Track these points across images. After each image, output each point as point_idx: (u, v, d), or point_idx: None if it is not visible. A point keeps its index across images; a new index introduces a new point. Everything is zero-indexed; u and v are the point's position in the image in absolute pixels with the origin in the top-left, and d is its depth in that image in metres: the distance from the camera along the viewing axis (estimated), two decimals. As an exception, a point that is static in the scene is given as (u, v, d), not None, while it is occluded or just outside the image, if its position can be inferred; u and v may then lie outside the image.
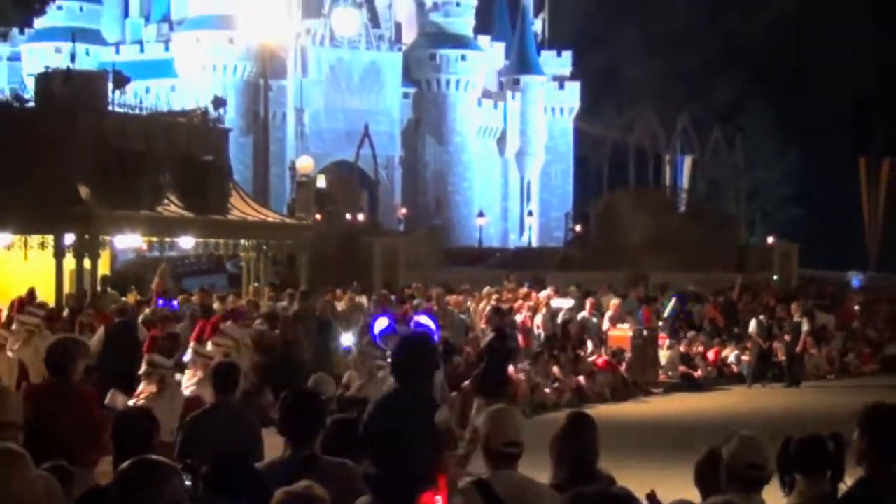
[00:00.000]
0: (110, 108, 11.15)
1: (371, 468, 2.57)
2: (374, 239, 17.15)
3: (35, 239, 10.22)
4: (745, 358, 12.10)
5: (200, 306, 9.26)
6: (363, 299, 10.79)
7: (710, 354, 12.29)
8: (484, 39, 34.46)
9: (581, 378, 10.56)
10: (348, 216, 24.56)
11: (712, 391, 11.52)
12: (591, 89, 34.94)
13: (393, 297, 10.44)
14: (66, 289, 10.09)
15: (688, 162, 24.46)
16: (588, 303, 11.91)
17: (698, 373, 11.88)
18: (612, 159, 23.90)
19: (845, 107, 32.23)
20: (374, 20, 31.73)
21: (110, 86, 11.31)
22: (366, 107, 30.71)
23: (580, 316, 11.72)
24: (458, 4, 33.00)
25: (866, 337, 14.19)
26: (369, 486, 2.51)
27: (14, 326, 7.60)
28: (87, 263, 10.22)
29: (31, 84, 12.12)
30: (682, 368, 11.81)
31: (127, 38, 32.55)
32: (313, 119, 30.88)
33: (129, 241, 11.21)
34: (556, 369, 10.42)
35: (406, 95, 32.58)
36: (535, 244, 32.49)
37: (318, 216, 18.66)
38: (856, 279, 17.86)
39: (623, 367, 11.10)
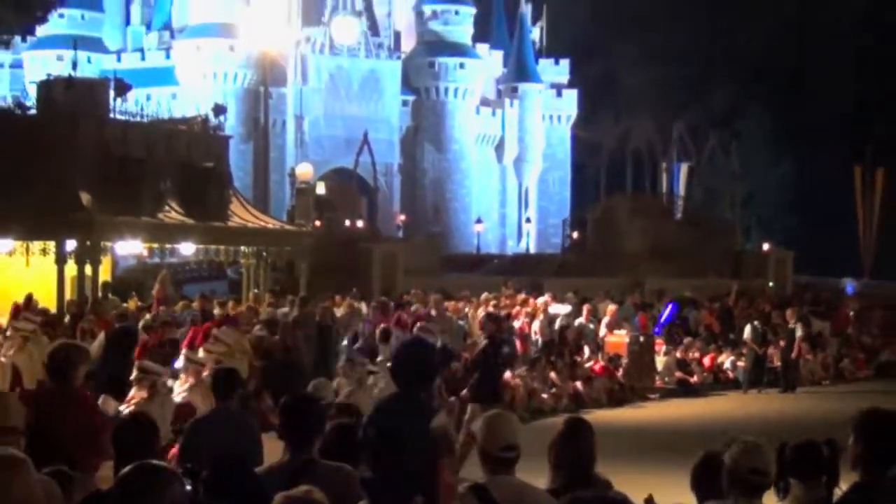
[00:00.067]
0: (111, 115, 11.25)
1: (368, 472, 2.62)
2: (373, 245, 17.22)
3: (37, 245, 10.29)
4: (740, 364, 12.16)
5: (201, 312, 9.34)
6: (362, 305, 10.87)
7: (706, 360, 12.36)
8: (482, 48, 34.67)
9: (578, 383, 10.62)
10: (347, 223, 24.64)
11: (708, 397, 11.59)
12: (589, 97, 35.15)
13: (391, 304, 10.53)
14: (68, 295, 10.17)
15: (684, 169, 24.61)
16: (585, 309, 11.98)
17: (694, 378, 11.95)
18: (609, 166, 24.03)
19: (840, 115, 32.44)
20: (374, 28, 31.95)
21: (111, 93, 11.42)
22: (365, 114, 30.86)
23: (577, 322, 11.79)
24: (456, 13, 33.23)
25: (861, 343, 14.27)
26: (365, 490, 2.55)
27: (9, 332, 7.62)
28: (88, 269, 10.28)
29: (32, 91, 12.20)
30: (678, 374, 11.87)
31: (128, 46, 32.75)
32: (313, 126, 31.01)
33: (130, 248, 11.30)
34: (553, 375, 10.49)
35: (405, 103, 32.73)
36: (532, 251, 32.53)
37: (317, 223, 18.73)
38: (850, 286, 17.97)
39: (620, 372, 11.17)
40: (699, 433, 8.36)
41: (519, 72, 35.10)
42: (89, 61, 28.32)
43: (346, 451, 2.89)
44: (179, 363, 6.46)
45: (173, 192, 11.03)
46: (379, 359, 6.92)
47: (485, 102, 34.58)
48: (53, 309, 9.46)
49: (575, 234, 23.77)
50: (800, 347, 12.02)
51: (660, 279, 16.03)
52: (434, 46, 32.93)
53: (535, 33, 36.39)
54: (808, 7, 33.61)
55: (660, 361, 11.88)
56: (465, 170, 33.65)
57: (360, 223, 26.49)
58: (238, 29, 29.14)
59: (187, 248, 11.49)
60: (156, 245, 11.30)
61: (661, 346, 12.02)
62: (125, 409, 5.20)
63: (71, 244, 10.21)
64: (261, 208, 14.81)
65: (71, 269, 10.32)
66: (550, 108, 35.95)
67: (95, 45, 30.51)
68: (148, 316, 8.90)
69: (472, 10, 33.54)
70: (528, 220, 35.50)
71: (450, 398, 7.86)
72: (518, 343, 10.89)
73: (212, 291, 12.02)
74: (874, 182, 26.84)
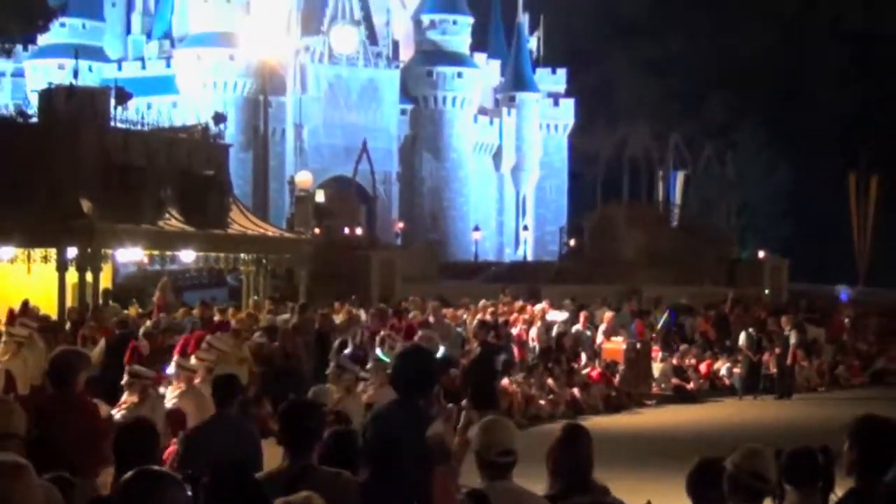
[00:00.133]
0: (112, 123, 11.36)
1: (367, 477, 2.66)
2: (372, 253, 17.31)
3: (38, 252, 10.37)
4: (736, 370, 12.24)
5: (201, 319, 9.40)
6: (361, 312, 10.94)
7: (703, 367, 12.44)
8: (480, 57, 34.88)
9: (575, 390, 10.68)
10: (346, 230, 24.69)
11: (704, 403, 11.65)
12: (586, 106, 35.36)
13: (390, 311, 10.60)
14: (69, 302, 10.22)
15: (680, 178, 24.78)
16: (582, 316, 12.05)
17: (691, 385, 12.02)
18: (605, 175, 24.17)
19: (835, 124, 32.67)
20: (372, 38, 32.14)
21: (112, 102, 11.53)
22: (364, 123, 30.98)
23: (574, 329, 11.86)
24: (454, 23, 33.45)
25: (856, 350, 14.35)
26: (362, 495, 2.60)
27: (3, 338, 7.63)
28: (89, 276, 10.34)
29: (34, 100, 12.26)
30: (674, 381, 11.95)
31: (129, 55, 32.87)
32: (312, 135, 31.13)
33: (131, 255, 11.36)
34: (550, 381, 10.55)
35: (403, 112, 32.86)
36: (530, 258, 32.59)
37: (316, 230, 18.78)
38: (843, 293, 18.08)
39: (617, 379, 11.24)
40: (695, 439, 8.47)
41: (516, 81, 35.29)
42: (90, 70, 28.46)
43: (345, 457, 2.93)
44: (171, 369, 6.43)
45: (174, 200, 11.11)
46: (369, 365, 6.95)
47: (482, 111, 34.74)
48: (55, 316, 9.50)
49: (572, 242, 23.89)
50: (795, 354, 12.10)
51: (656, 287, 16.11)
52: (432, 56, 33.13)
53: (533, 43, 36.63)
54: (803, 17, 33.95)
55: (656, 368, 11.95)
56: (463, 178, 33.76)
57: (358, 231, 26.54)
58: (238, 38, 29.30)
59: (187, 256, 11.56)
60: (156, 252, 11.36)
61: (657, 352, 12.10)
62: (116, 413, 5.23)
63: (72, 251, 10.28)
64: (260, 216, 14.88)
65: (72, 276, 10.37)
66: (547, 117, 36.12)
67: (96, 54, 30.67)
68: (148, 322, 8.97)
69: (470, 20, 33.76)
70: (525, 228, 35.62)
71: (448, 405, 7.92)
72: (515, 350, 10.96)
73: (212, 298, 12.09)
74: (868, 189, 27.02)
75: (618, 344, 11.58)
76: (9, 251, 10.50)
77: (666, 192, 24.07)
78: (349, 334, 9.05)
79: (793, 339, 12.06)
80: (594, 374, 11.15)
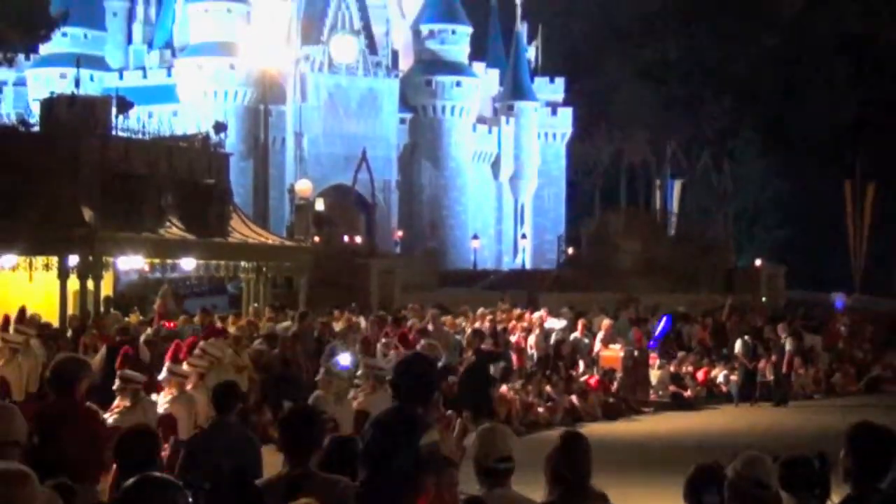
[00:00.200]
0: (114, 132, 11.46)
1: (361, 484, 2.68)
2: (371, 261, 17.42)
3: (40, 260, 10.42)
4: (733, 378, 12.28)
5: (202, 327, 9.44)
6: (360, 320, 10.99)
7: (700, 374, 12.48)
8: (479, 66, 35.03)
9: (573, 397, 10.72)
10: (346, 238, 24.78)
11: (702, 410, 11.70)
12: (584, 115, 35.53)
13: (389, 318, 10.67)
14: (70, 309, 10.27)
15: (677, 186, 24.90)
16: (580, 323, 12.10)
17: (688, 392, 12.06)
18: (603, 184, 24.26)
19: (831, 131, 32.85)
20: (372, 47, 32.33)
21: (114, 110, 11.63)
22: (363, 132, 31.07)
23: (572, 336, 11.91)
24: (453, 32, 33.66)
25: (852, 358, 14.41)
26: (357, 502, 2.63)
27: (-1, 344, 7.69)
28: (90, 284, 10.42)
29: (36, 109, 12.34)
30: (672, 388, 11.98)
31: (130, 64, 32.98)
32: (312, 144, 31.23)
33: (132, 263, 11.40)
34: (549, 388, 10.60)
35: (402, 121, 32.94)
36: (528, 266, 32.63)
37: (316, 238, 18.86)
38: (839, 301, 18.15)
39: (614, 386, 11.29)
40: (693, 446, 8.47)
41: (515, 90, 35.44)
42: (92, 79, 28.58)
43: (344, 463, 2.94)
44: (162, 375, 6.47)
45: (174, 209, 11.20)
46: (359, 372, 6.99)
47: (481, 120, 34.86)
48: (56, 323, 9.54)
49: (570, 250, 23.97)
50: (791, 361, 12.16)
51: (653, 294, 16.20)
52: (431, 65, 33.28)
53: (531, 52, 36.84)
54: (800, 26, 34.21)
55: (654, 375, 12.00)
56: (462, 186, 33.85)
57: (358, 239, 26.64)
58: (238, 48, 29.47)
59: (188, 264, 11.62)
60: (157, 260, 11.42)
61: (655, 360, 12.15)
62: (109, 417, 5.28)
63: (73, 259, 10.35)
64: (260, 224, 14.96)
65: (73, 283, 10.45)
66: (546, 125, 36.25)
67: (98, 63, 30.81)
68: (149, 330, 9.02)
69: (469, 30, 33.95)
70: (523, 236, 35.69)
71: (447, 412, 7.97)
72: (514, 357, 11.02)
73: (213, 306, 12.16)
74: (864, 197, 27.16)
75: (615, 351, 11.64)
76: (10, 259, 10.55)
77: (663, 200, 24.16)
78: (346, 341, 9.08)
79: (789, 347, 12.11)
80: (592, 381, 11.19)
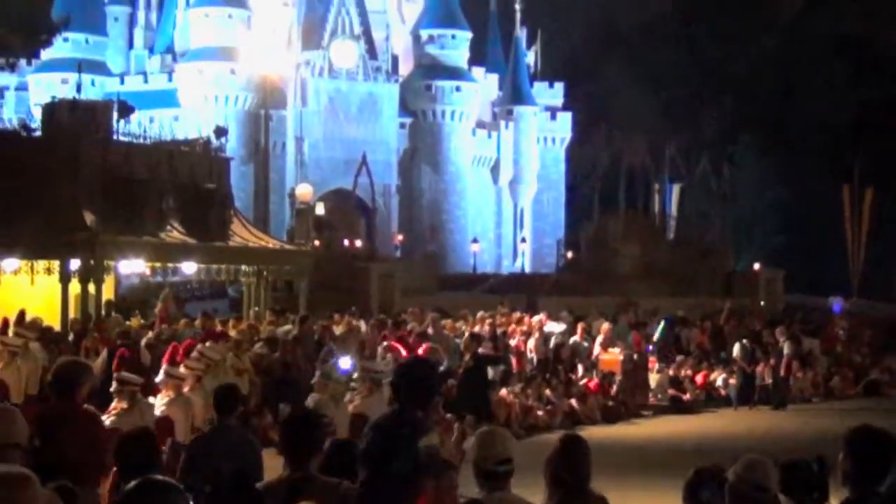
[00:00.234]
0: (115, 136, 11.51)
1: (361, 486, 2.70)
2: (371, 265, 17.46)
3: (41, 264, 10.45)
4: (732, 381, 12.32)
5: (203, 330, 9.48)
6: (361, 324, 11.04)
7: (699, 378, 12.51)
8: (478, 71, 35.15)
9: (573, 401, 10.75)
10: (346, 242, 24.83)
11: (700, 414, 11.73)
12: (583, 119, 35.64)
13: (389, 322, 10.71)
14: (72, 313, 10.30)
15: (676, 190, 24.96)
16: (579, 327, 12.14)
17: (687, 396, 12.09)
18: (602, 188, 24.32)
19: (829, 136, 32.94)
20: (372, 52, 32.46)
21: (115, 115, 11.69)
22: (363, 136, 31.16)
23: (572, 340, 11.95)
24: (453, 37, 33.78)
25: (850, 361, 14.45)
26: (356, 502, 2.65)
27: (-1, 347, 7.69)
28: (91, 288, 10.43)
29: (38, 113, 12.43)
30: (671, 391, 12.02)
31: (131, 69, 33.11)
32: (312, 148, 31.32)
33: (133, 267, 11.45)
34: (548, 392, 10.62)
35: (402, 125, 33.03)
36: (527, 270, 32.64)
37: (316, 242, 18.88)
38: (836, 305, 18.18)
39: (614, 389, 11.32)
40: (692, 449, 8.51)
41: (514, 95, 35.53)
42: (93, 84, 28.58)
43: (344, 467, 2.95)
44: (159, 377, 6.49)
45: (175, 213, 11.25)
46: (355, 375, 7.03)
47: (481, 125, 34.96)
48: (58, 327, 9.58)
49: (569, 254, 24.01)
50: (789, 365, 12.18)
51: (652, 298, 16.26)
52: (431, 70, 33.39)
53: (530, 57, 36.97)
54: (798, 27, 34.32)
55: (653, 379, 12.03)
56: (462, 191, 33.91)
57: (358, 243, 26.69)
58: (239, 53, 29.60)
59: (189, 267, 11.67)
60: (158, 264, 11.46)
61: (654, 363, 12.18)
62: (106, 419, 5.31)
63: (75, 263, 10.38)
64: (261, 228, 15.02)
65: (75, 287, 10.46)
66: (545, 130, 36.34)
67: (99, 68, 30.85)
68: (150, 334, 9.06)
69: (468, 35, 34.06)
70: (523, 240, 35.76)
71: (447, 415, 8.01)
72: (514, 361, 11.06)
73: (214, 310, 12.17)
74: (862, 202, 27.22)
75: (615, 355, 11.68)
76: (12, 263, 10.59)
77: (662, 204, 24.23)
78: (345, 344, 9.12)
79: (787, 350, 12.13)
80: (591, 384, 11.23)
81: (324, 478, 2.85)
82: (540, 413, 10.27)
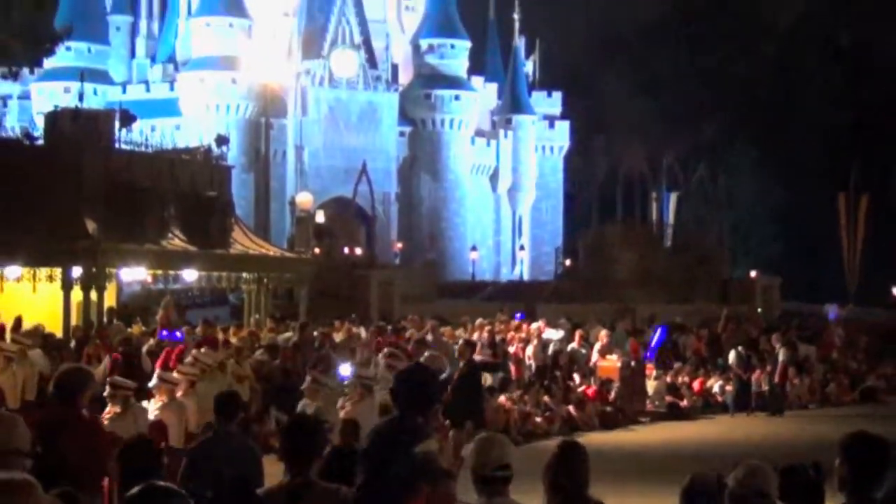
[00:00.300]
0: (117, 145, 11.63)
1: (358, 492, 2.75)
2: (371, 272, 17.53)
3: (43, 271, 10.52)
4: (728, 388, 12.37)
5: (204, 337, 9.54)
6: (361, 331, 11.11)
7: (696, 384, 12.57)
8: (477, 80, 35.41)
9: (571, 407, 10.81)
10: (346, 250, 24.90)
11: (697, 420, 11.78)
12: (581, 128, 35.83)
13: (389, 329, 10.78)
14: (74, 320, 10.36)
15: (673, 198, 25.10)
16: (577, 334, 12.20)
17: (684, 402, 12.14)
18: (600, 196, 24.45)
19: (825, 143, 33.09)
20: (372, 61, 32.70)
21: (117, 124, 11.81)
22: (363, 145, 31.34)
23: (570, 347, 12.01)
24: (452, 47, 34.05)
25: (847, 368, 14.51)
26: None
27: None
28: (93, 295, 10.52)
29: (40, 122, 12.63)
30: (668, 398, 12.06)
31: (133, 78, 33.34)
32: (312, 156, 31.49)
33: (135, 274, 11.53)
34: (546, 398, 10.68)
35: (402, 134, 33.25)
36: (526, 277, 32.77)
37: (316, 250, 18.95)
38: (832, 312, 18.25)
39: (612, 396, 11.38)
40: (689, 456, 8.53)
41: (513, 104, 35.77)
42: (95, 93, 28.78)
43: (344, 472, 3.00)
44: (153, 382, 6.52)
45: (177, 221, 11.34)
46: (347, 381, 7.10)
47: (480, 133, 35.18)
48: (60, 334, 9.64)
49: (567, 262, 24.09)
50: (785, 372, 12.24)
51: (650, 305, 16.31)
52: (430, 79, 33.63)
53: (529, 66, 37.24)
54: (795, 36, 34.54)
55: (650, 385, 12.08)
56: (461, 199, 34.08)
57: (358, 251, 26.75)
58: (240, 62, 29.82)
59: (190, 275, 11.75)
60: (160, 272, 11.54)
61: (651, 370, 12.24)
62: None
63: (77, 271, 10.46)
64: (262, 236, 15.11)
65: (77, 294, 10.53)
66: (543, 139, 36.57)
67: (102, 77, 31.07)
68: (152, 341, 9.13)
69: (468, 44, 34.33)
70: (521, 248, 35.87)
71: (445, 421, 8.06)
72: (512, 367, 11.12)
73: (214, 317, 12.25)
74: (858, 209, 27.33)
75: (613, 362, 11.74)
76: (15, 270, 10.65)
77: (660, 212, 24.35)
78: (341, 351, 9.16)
79: (783, 357, 12.19)
80: (589, 391, 11.28)
81: (323, 483, 2.88)
82: (538, 419, 10.33)
